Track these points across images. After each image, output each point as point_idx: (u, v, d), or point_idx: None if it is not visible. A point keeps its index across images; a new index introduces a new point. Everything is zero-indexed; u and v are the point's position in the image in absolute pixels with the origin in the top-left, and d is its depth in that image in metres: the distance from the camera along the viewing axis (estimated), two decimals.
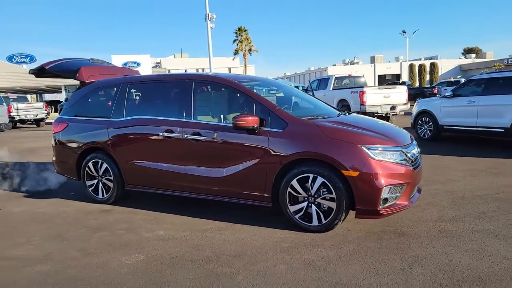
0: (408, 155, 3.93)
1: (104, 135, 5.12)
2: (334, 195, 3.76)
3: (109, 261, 3.47)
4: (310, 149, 3.85)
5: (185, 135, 4.48)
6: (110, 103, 5.60)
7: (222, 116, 4.71)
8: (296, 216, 3.98)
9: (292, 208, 3.99)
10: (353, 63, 65.04)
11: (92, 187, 5.36)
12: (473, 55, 70.06)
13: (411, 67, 50.38)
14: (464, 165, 6.94)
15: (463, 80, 30.32)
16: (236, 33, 57.72)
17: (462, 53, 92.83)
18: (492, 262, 3.15)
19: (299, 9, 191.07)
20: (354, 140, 3.79)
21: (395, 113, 13.35)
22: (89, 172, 5.33)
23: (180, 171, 4.59)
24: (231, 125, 4.26)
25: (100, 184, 5.28)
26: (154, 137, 4.73)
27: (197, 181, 4.50)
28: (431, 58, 62.19)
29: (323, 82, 15.77)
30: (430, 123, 10.11)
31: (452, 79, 32.42)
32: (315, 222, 3.91)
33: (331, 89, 14.96)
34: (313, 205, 3.90)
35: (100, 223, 4.54)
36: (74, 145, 5.44)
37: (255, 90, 4.67)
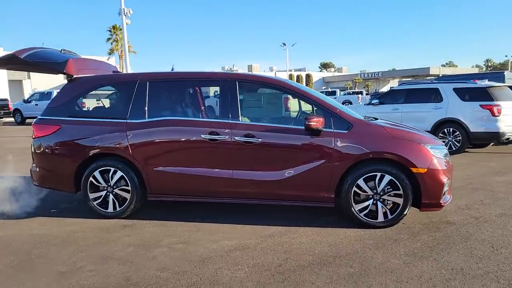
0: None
1: (121, 139, 4.44)
2: (401, 192, 4.04)
3: (215, 276, 3.10)
4: (380, 149, 4.06)
5: (235, 138, 4.23)
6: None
7: (275, 117, 4.58)
8: (362, 214, 4.14)
9: (357, 207, 4.14)
10: (232, 71, 67.13)
11: (99, 200, 4.58)
12: (333, 69, 79.46)
13: (290, 77, 54.66)
14: None
15: (339, 91, 34.31)
16: (110, 31, 54.28)
17: (319, 67, 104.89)
18: None
19: (175, 13, 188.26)
20: (418, 140, 4.15)
21: None
22: (95, 182, 4.55)
23: (227, 175, 4.30)
24: (291, 126, 4.24)
25: (111, 196, 4.54)
26: (193, 140, 4.33)
27: (248, 185, 4.28)
28: (300, 70, 68.29)
29: None
30: None
31: (329, 89, 36.34)
32: (380, 218, 4.12)
33: None
34: (378, 202, 4.11)
35: (142, 240, 3.95)
36: (73, 151, 4.58)
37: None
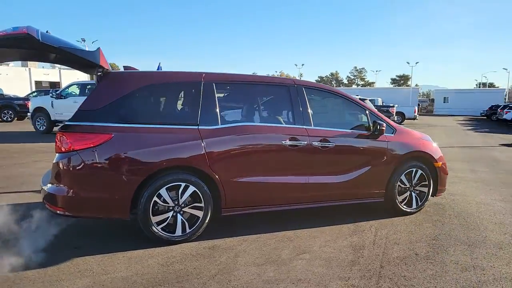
0: None
1: (196, 148, 3.83)
2: (427, 182, 5.06)
3: (395, 273, 3.32)
4: (417, 148, 4.94)
5: (313, 143, 4.33)
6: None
7: (335, 122, 4.78)
8: (402, 204, 4.95)
9: (399, 198, 4.92)
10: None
11: (164, 224, 3.80)
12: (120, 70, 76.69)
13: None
14: None
15: None
16: None
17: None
18: None
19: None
20: (430, 139, 5.26)
21: None
22: (160, 202, 3.75)
23: (303, 181, 4.35)
24: (356, 131, 4.68)
25: (180, 217, 3.85)
26: (274, 146, 4.18)
27: (321, 189, 4.45)
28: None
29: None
30: None
31: None
32: (414, 205, 5.03)
33: None
34: (412, 193, 5.01)
35: (260, 258, 3.62)
36: (133, 166, 3.63)
37: None
